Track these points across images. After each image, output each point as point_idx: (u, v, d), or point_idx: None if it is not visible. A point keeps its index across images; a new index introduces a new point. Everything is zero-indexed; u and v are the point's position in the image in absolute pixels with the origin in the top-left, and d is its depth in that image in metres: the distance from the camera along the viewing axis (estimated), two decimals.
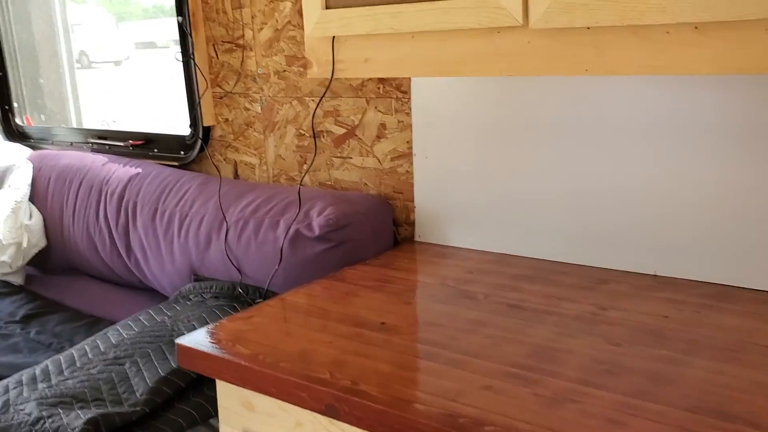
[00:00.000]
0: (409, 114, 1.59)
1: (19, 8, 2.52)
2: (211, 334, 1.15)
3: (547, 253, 1.45)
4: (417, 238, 1.63)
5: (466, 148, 1.52)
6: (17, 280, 2.10)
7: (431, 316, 1.19)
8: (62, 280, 2.12)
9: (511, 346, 1.06)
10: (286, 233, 1.52)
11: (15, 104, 2.54)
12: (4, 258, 2.02)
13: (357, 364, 1.02)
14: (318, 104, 1.73)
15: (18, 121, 2.53)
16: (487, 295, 1.27)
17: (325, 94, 1.70)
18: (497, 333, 1.11)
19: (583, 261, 1.41)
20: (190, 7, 1.85)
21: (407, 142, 1.61)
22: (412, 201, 1.63)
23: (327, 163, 1.76)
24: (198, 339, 1.14)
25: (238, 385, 1.07)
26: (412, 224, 1.64)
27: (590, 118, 1.35)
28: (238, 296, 1.58)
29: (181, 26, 1.88)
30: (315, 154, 1.77)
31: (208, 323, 1.42)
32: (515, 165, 1.46)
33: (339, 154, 1.73)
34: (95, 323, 1.82)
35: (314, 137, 1.76)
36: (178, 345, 1.13)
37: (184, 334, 1.37)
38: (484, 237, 1.53)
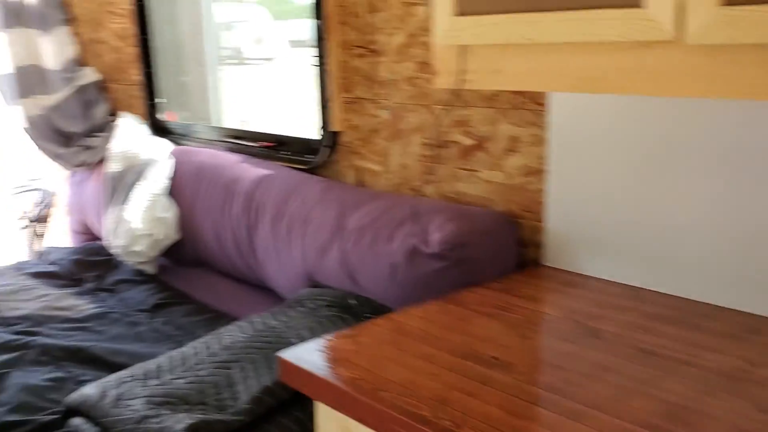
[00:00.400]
0: (543, 128, 1.48)
1: (167, 8, 2.64)
2: (314, 351, 1.11)
3: (692, 291, 1.29)
4: (544, 262, 1.51)
5: (607, 169, 1.38)
6: (150, 269, 2.18)
7: (551, 355, 1.08)
8: (192, 273, 2.19)
9: (639, 400, 0.94)
10: (403, 247, 1.46)
11: (164, 100, 2.67)
12: (139, 247, 2.11)
13: (462, 403, 0.94)
14: (445, 114, 1.65)
15: (161, 116, 2.65)
16: (617, 336, 1.14)
17: (453, 104, 1.62)
18: (625, 383, 0.98)
19: (734, 304, 1.24)
20: (326, 11, 1.84)
21: (540, 157, 1.50)
22: (541, 221, 1.51)
23: (452, 174, 1.68)
24: (300, 354, 1.10)
25: (336, 409, 1.02)
26: (539, 246, 1.52)
27: (758, 147, 1.18)
28: (351, 307, 1.53)
29: (318, 29, 1.87)
30: (440, 165, 1.69)
31: (317, 335, 1.38)
32: (663, 190, 1.31)
33: (465, 166, 1.65)
34: (217, 318, 1.85)
35: (440, 147, 1.68)
36: (280, 359, 1.10)
37: (292, 343, 1.34)
38: (620, 267, 1.39)
